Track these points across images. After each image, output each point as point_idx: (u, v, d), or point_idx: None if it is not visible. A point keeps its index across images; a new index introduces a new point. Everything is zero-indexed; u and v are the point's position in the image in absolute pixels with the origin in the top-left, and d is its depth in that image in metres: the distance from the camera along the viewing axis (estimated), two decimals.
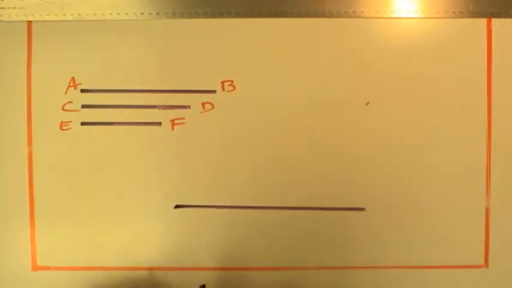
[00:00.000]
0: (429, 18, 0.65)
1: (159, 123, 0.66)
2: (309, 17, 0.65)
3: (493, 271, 0.66)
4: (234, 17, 0.65)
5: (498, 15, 0.65)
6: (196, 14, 0.64)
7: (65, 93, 0.65)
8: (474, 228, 0.66)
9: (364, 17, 0.65)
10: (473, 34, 0.65)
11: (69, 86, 0.65)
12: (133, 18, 0.64)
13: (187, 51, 0.65)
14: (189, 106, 0.66)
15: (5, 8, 0.64)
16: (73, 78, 0.65)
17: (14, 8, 0.64)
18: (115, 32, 0.64)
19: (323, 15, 0.65)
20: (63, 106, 0.65)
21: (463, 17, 0.65)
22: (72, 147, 0.65)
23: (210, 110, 0.66)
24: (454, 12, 0.65)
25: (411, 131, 0.66)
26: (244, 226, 0.66)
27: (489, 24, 0.65)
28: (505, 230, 0.66)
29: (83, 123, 0.66)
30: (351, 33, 0.65)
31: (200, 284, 0.61)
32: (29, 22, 0.65)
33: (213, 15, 0.64)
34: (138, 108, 0.66)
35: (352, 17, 0.65)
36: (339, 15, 0.65)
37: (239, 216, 0.66)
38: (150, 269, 0.66)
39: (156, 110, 0.66)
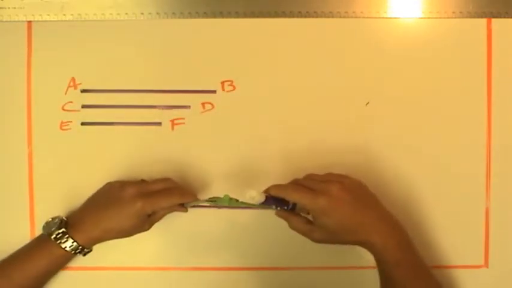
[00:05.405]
0: (429, 18, 0.65)
1: (159, 123, 0.66)
2: (309, 17, 0.65)
3: (493, 271, 0.66)
4: (234, 17, 0.65)
5: (498, 15, 0.65)
6: (196, 14, 0.65)
7: (65, 94, 0.65)
8: (474, 228, 0.66)
9: (364, 17, 0.65)
10: (473, 34, 0.65)
11: (69, 86, 0.65)
12: (133, 18, 0.64)
13: (187, 51, 0.65)
14: (189, 106, 0.66)
15: (5, 8, 0.64)
16: (73, 79, 0.65)
17: (14, 8, 0.64)
18: (115, 32, 0.64)
19: (323, 15, 0.65)
20: (63, 106, 0.65)
21: (463, 17, 0.65)
22: (72, 147, 0.65)
23: (210, 110, 0.66)
24: (454, 12, 0.65)
25: (411, 131, 0.66)
26: (244, 226, 0.66)
27: (489, 24, 0.65)
28: (505, 230, 0.66)
29: (83, 123, 0.66)
30: (350, 33, 0.65)
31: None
32: (29, 22, 0.65)
33: (213, 15, 0.64)
34: (138, 108, 0.66)
35: (351, 17, 0.65)
36: (338, 15, 0.65)
37: (239, 217, 0.66)
38: (150, 269, 0.66)
39: (156, 110, 0.66)
